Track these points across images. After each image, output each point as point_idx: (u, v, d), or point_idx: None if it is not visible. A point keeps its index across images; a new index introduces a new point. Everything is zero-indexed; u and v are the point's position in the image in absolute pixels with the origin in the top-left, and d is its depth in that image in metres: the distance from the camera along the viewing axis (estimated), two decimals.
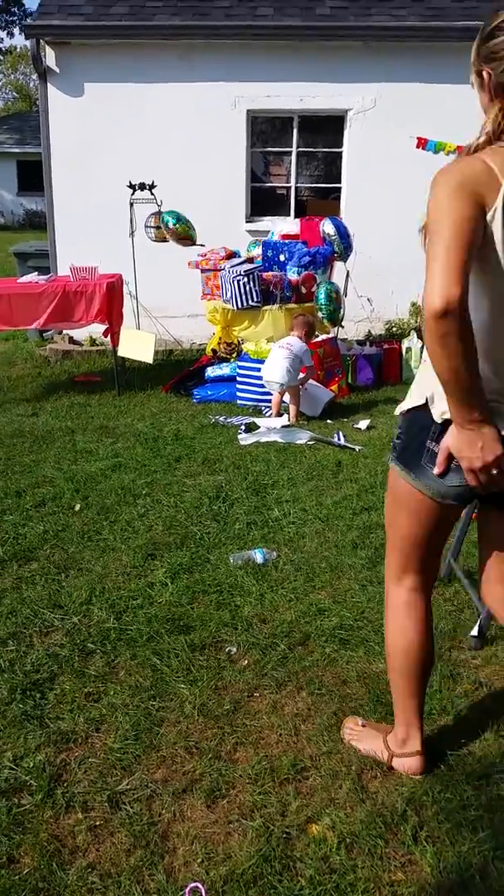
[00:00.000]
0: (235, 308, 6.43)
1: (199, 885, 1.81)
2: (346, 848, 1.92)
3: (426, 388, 1.86)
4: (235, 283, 6.30)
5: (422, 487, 1.91)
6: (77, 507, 4.03)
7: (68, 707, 2.45)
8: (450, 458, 1.80)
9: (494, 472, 1.73)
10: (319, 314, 6.53)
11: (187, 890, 1.80)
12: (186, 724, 2.38)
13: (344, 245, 6.78)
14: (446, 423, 1.80)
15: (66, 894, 1.80)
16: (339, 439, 5.32)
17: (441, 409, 1.81)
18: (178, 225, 6.77)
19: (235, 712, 2.44)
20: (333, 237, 6.75)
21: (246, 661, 2.70)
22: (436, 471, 1.85)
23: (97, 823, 2.01)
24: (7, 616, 2.98)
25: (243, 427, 5.50)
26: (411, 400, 1.92)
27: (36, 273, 6.98)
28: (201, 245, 6.93)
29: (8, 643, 2.80)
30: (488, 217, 1.63)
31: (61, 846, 1.94)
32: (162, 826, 2.00)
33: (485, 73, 1.75)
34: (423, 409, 1.87)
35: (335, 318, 6.70)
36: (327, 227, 6.79)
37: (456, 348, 1.59)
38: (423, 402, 1.87)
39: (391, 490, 2.03)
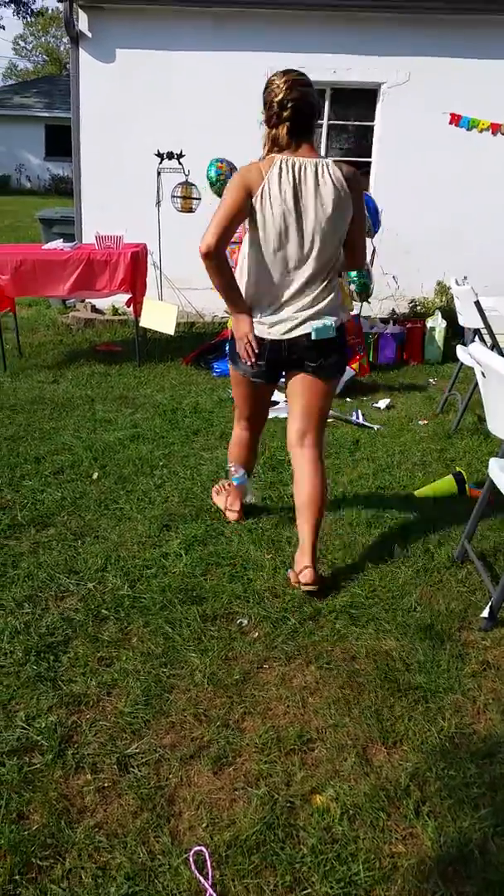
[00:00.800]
0: None
1: (203, 849, 1.85)
2: (349, 819, 1.96)
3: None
4: None
5: (239, 370, 3.16)
6: (95, 476, 4.07)
7: (81, 670, 2.50)
8: (233, 339, 3.06)
9: (245, 342, 2.98)
10: (351, 286, 6.45)
11: (191, 853, 1.85)
12: (196, 691, 2.42)
13: (373, 221, 6.70)
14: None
15: (73, 851, 1.85)
16: (357, 418, 5.31)
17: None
18: (213, 187, 6.70)
19: (244, 682, 2.47)
20: None
21: (256, 634, 2.73)
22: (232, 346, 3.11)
23: (105, 785, 2.06)
24: (24, 579, 3.02)
25: None
26: None
27: (61, 240, 6.97)
28: None
29: (24, 605, 2.84)
30: (253, 200, 2.82)
31: (70, 805, 1.99)
32: (169, 790, 2.05)
33: (264, 115, 2.86)
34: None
35: (367, 291, 6.60)
36: None
37: (216, 273, 2.88)
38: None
39: (231, 377, 3.28)
